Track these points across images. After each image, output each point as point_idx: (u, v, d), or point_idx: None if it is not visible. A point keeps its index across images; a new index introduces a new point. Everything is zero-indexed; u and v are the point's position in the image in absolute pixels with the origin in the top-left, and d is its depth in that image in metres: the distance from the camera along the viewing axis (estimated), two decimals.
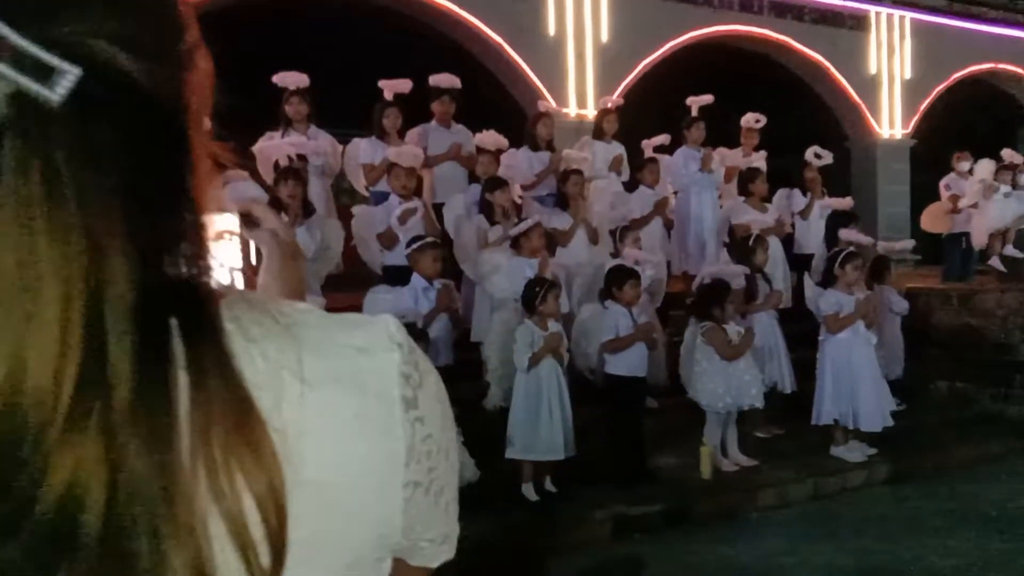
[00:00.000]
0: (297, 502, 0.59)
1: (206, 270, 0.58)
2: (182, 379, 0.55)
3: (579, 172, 6.46)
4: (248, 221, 0.85)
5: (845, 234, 5.67)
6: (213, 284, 0.59)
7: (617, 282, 5.22)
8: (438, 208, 6.48)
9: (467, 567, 3.68)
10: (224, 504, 0.55)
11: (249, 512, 0.56)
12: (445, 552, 0.78)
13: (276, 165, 5.80)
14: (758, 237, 5.85)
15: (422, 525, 0.72)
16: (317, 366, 0.64)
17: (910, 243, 7.50)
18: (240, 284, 0.85)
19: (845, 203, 6.73)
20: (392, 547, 0.71)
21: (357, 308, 5.46)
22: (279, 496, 0.58)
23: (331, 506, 0.64)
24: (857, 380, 5.53)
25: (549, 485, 4.99)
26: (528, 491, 4.89)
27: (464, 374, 5.28)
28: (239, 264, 0.85)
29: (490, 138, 6.62)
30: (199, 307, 0.57)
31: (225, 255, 0.82)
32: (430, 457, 0.71)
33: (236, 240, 0.84)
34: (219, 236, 0.83)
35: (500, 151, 6.64)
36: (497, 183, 5.97)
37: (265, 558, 0.57)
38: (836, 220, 6.40)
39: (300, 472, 0.60)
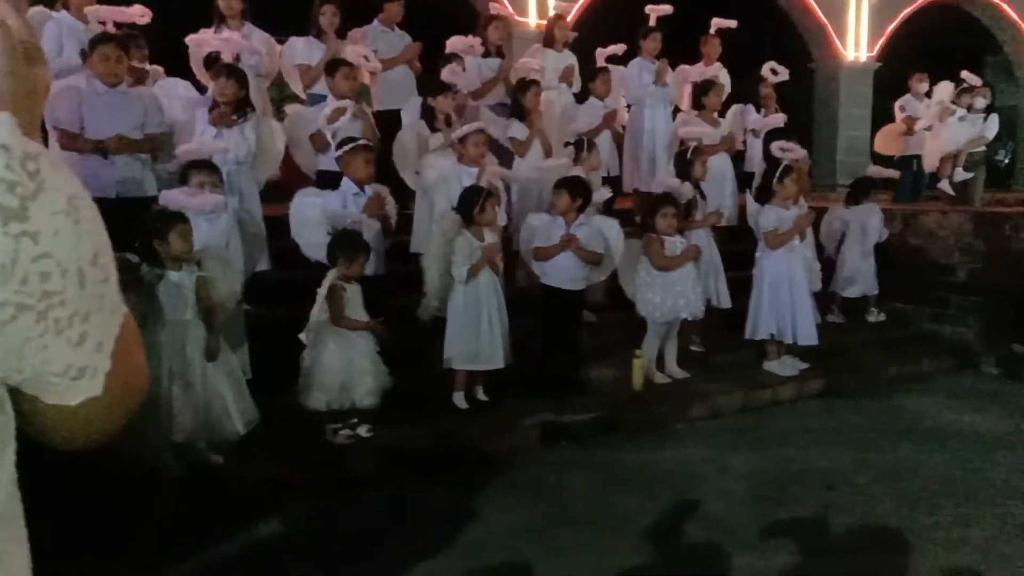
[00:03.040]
0: None
1: None
2: None
3: (537, 83, 6.28)
4: None
5: (777, 146, 5.61)
6: None
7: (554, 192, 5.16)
8: (384, 114, 6.29)
9: (394, 473, 3.66)
10: None
11: None
12: (85, 388, 0.70)
13: (207, 62, 5.57)
14: (696, 149, 5.75)
15: (38, 356, 0.64)
16: None
17: (896, 174, 7.63)
18: None
19: (777, 119, 6.68)
20: None
21: None
22: None
23: None
24: (795, 295, 5.57)
25: (481, 395, 5.00)
26: (458, 399, 4.89)
27: (399, 285, 5.22)
28: None
29: (460, 43, 6.37)
30: None
31: None
32: (47, 279, 0.62)
33: None
34: None
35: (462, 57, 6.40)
36: (440, 88, 5.79)
37: None
38: (772, 136, 6.34)
39: None
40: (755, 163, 7.18)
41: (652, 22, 7.34)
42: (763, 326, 5.65)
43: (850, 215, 6.78)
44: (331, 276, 4.34)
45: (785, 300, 5.55)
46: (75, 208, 0.65)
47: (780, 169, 5.43)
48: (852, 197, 6.92)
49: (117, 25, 5.25)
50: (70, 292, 0.65)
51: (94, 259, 0.67)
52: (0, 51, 0.75)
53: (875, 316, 6.97)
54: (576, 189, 5.21)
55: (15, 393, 0.69)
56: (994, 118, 8.61)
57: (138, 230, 3.91)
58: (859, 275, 6.73)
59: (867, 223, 6.71)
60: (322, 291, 4.30)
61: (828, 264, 6.72)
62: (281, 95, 7.79)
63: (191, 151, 4.52)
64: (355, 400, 4.31)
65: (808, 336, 5.58)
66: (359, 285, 4.42)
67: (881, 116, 10.77)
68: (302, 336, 4.29)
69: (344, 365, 4.29)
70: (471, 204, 4.80)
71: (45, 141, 5.03)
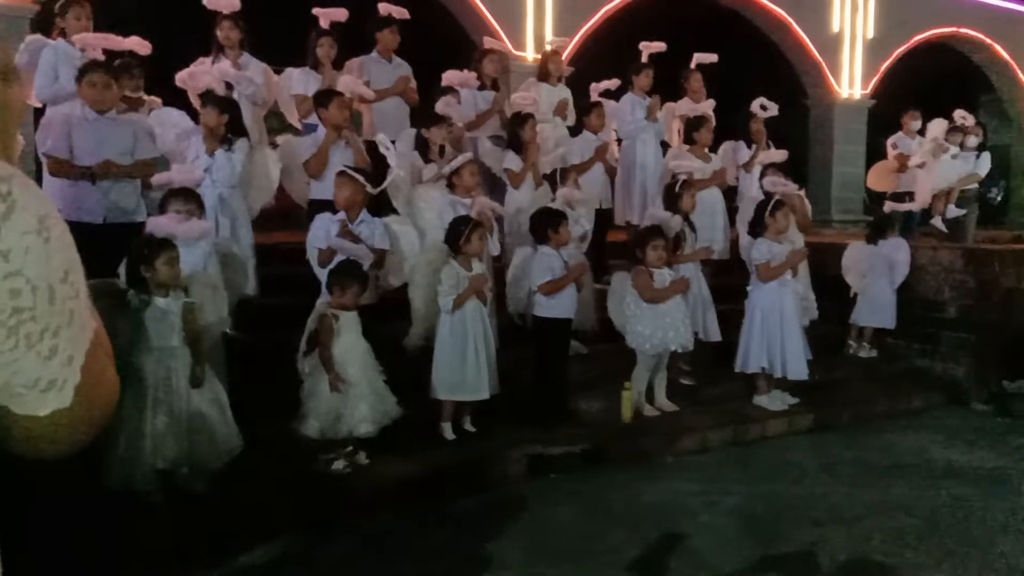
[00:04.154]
0: None
1: None
2: None
3: (533, 116, 6.33)
4: None
5: (769, 181, 5.65)
6: None
7: (545, 224, 5.17)
8: (375, 145, 6.31)
9: (379, 503, 3.62)
10: None
11: None
12: (55, 399, 0.72)
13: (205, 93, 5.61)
14: (685, 182, 5.79)
15: (8, 369, 0.66)
16: None
17: (914, 206, 8.09)
18: None
19: (779, 155, 6.72)
20: None
21: (288, 245, 5.34)
22: None
23: None
24: (786, 329, 5.56)
25: (468, 425, 4.98)
26: (446, 430, 4.87)
27: (388, 314, 5.21)
28: None
29: (456, 77, 6.43)
30: None
31: None
32: (18, 296, 0.64)
33: None
34: None
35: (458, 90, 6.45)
36: (434, 119, 5.84)
37: None
38: (766, 170, 6.39)
39: None
40: (746, 198, 7.22)
41: (644, 58, 7.42)
42: (753, 359, 5.64)
43: (875, 252, 6.93)
44: (321, 304, 4.34)
45: (775, 334, 5.55)
46: (46, 228, 0.67)
47: (772, 203, 5.46)
48: (874, 235, 7.12)
49: (114, 54, 5.30)
50: (40, 308, 0.66)
51: (64, 276, 0.69)
52: None
53: (866, 351, 6.98)
54: (565, 221, 5.25)
55: None
56: (986, 156, 8.69)
57: (126, 255, 3.92)
58: (880, 307, 6.89)
59: (894, 258, 6.91)
60: (311, 320, 4.29)
61: (855, 299, 6.98)
62: (282, 125, 7.86)
63: (163, 180, 4.55)
64: (351, 428, 4.28)
65: (798, 371, 5.56)
66: (355, 313, 4.40)
67: (875, 153, 10.87)
68: (300, 365, 4.28)
69: (339, 393, 4.26)
70: (457, 234, 4.82)
71: (38, 166, 5.07)
